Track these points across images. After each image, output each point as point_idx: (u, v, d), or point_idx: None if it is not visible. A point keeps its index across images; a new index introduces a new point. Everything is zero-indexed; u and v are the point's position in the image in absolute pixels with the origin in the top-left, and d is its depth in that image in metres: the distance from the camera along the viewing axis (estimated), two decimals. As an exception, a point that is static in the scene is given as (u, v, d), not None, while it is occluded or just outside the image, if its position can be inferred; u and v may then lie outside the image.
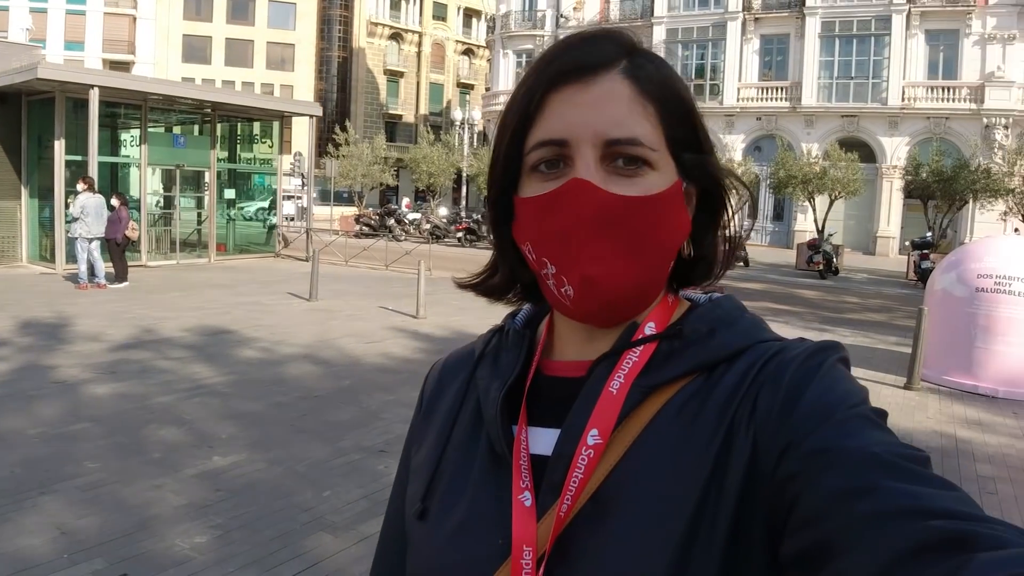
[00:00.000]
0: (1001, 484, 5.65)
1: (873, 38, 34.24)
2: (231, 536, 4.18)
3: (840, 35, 34.75)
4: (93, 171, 15.25)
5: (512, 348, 0.86)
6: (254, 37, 59.09)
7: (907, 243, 27.95)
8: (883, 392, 8.29)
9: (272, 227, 21.95)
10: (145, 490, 4.75)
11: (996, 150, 29.00)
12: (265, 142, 22.10)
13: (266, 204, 22.43)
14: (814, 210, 27.38)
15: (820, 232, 26.03)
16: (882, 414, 0.67)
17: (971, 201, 26.75)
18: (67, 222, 14.86)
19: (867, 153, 33.56)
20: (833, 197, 27.06)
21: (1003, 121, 32.13)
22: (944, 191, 26.05)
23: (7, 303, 11.55)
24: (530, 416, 0.80)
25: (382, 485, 5.04)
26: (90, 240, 13.67)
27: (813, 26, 34.90)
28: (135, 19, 55.91)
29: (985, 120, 32.40)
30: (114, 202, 14.39)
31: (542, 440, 0.78)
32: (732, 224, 0.84)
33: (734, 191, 0.83)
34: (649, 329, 0.78)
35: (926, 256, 21.40)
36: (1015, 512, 5.11)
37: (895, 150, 33.79)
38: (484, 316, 10.03)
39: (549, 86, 0.75)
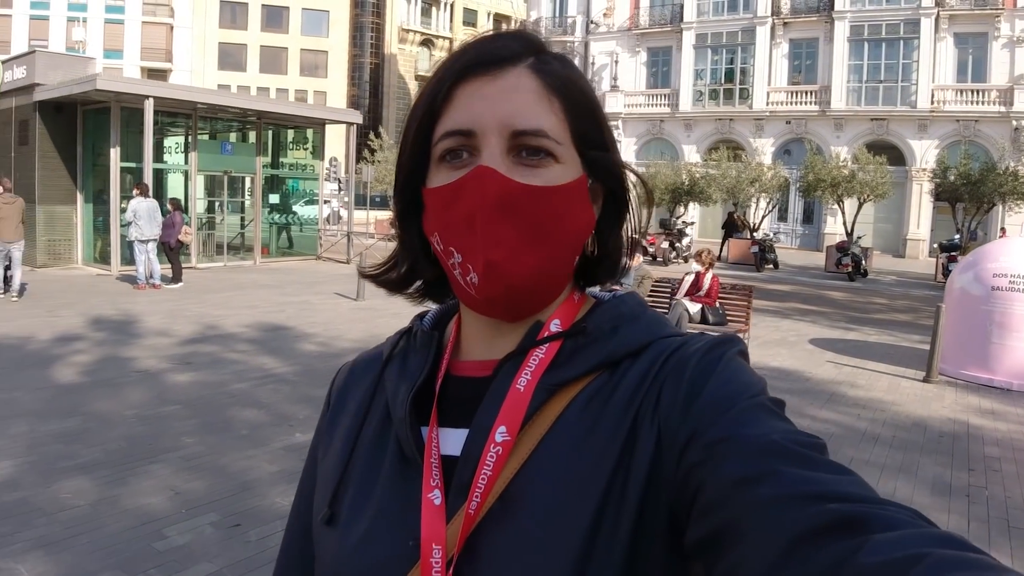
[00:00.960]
0: (1006, 464, 6.16)
1: (902, 41, 34.43)
2: (323, 496, 4.81)
3: (869, 39, 34.97)
4: (148, 178, 16.05)
5: (420, 349, 0.86)
6: (288, 44, 60.23)
7: (935, 245, 28.19)
8: (903, 384, 8.84)
9: (317, 231, 22.73)
10: (240, 460, 5.41)
11: (1026, 153, 29.16)
12: (306, 148, 22.88)
13: (315, 209, 23.21)
14: (843, 213, 27.67)
15: (849, 235, 26.32)
16: (780, 403, 0.69)
17: (1000, 204, 26.94)
18: (122, 226, 15.67)
19: (896, 156, 33.75)
20: (862, 200, 27.34)
21: (1033, 123, 32.20)
22: (972, 194, 26.25)
23: (72, 302, 12.33)
24: (439, 417, 0.80)
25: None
26: (145, 242, 14.45)
27: (842, 30, 35.15)
28: (172, 28, 57.20)
29: (1015, 123, 32.45)
30: (168, 207, 15.20)
31: (451, 440, 0.78)
32: (632, 223, 0.85)
33: (634, 191, 0.85)
34: (555, 326, 0.80)
35: (954, 259, 21.66)
36: (1016, 487, 5.63)
37: (924, 153, 33.94)
38: None
39: (457, 78, 0.76)
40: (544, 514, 0.70)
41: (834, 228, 32.85)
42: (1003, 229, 28.11)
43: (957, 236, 25.85)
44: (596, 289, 0.88)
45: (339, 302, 13.64)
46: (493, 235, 0.74)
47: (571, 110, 0.77)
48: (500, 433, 0.74)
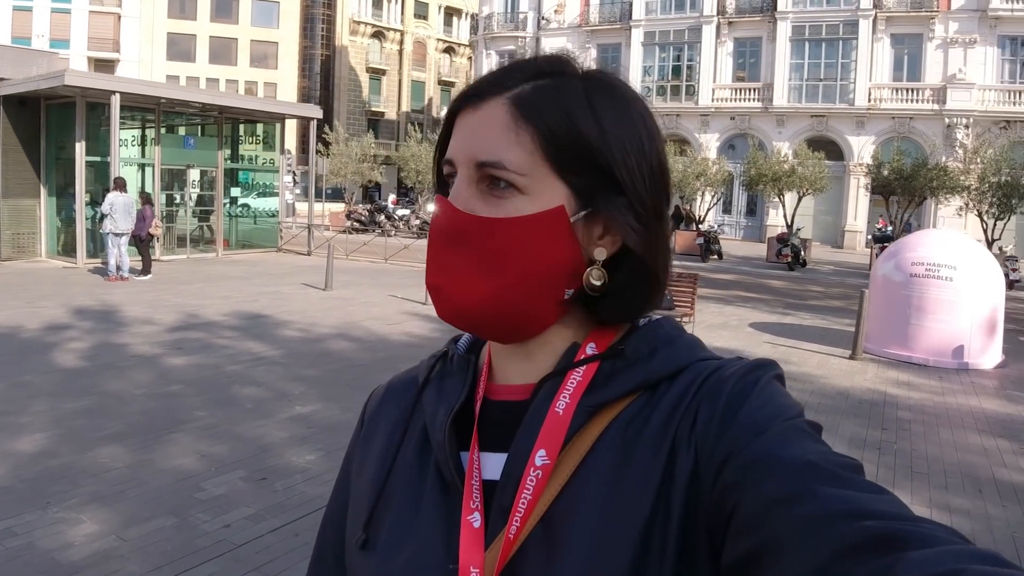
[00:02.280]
0: (915, 425, 7.20)
1: (841, 42, 35.99)
2: (334, 455, 5.58)
3: (810, 39, 36.47)
4: (116, 172, 16.44)
5: (457, 373, 0.86)
6: (238, 35, 59.96)
7: (870, 237, 29.71)
8: (831, 361, 9.91)
9: (278, 223, 23.22)
10: (252, 429, 6.13)
11: (957, 149, 30.88)
12: (264, 141, 23.33)
13: (276, 202, 23.65)
14: (784, 206, 29.02)
15: (789, 227, 27.61)
16: (816, 427, 0.69)
17: (930, 197, 28.50)
18: (98, 220, 16.08)
19: (835, 151, 35.31)
20: (802, 193, 28.69)
21: (963, 121, 33.88)
22: (904, 188, 27.76)
23: (49, 294, 12.77)
24: (479, 441, 0.81)
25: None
26: (119, 235, 14.92)
27: (784, 30, 36.59)
28: (120, 17, 56.54)
29: (947, 120, 34.18)
30: (139, 201, 15.68)
31: (490, 465, 0.79)
32: (652, 259, 0.80)
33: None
34: (591, 349, 0.80)
35: (885, 249, 22.98)
36: (921, 443, 6.63)
37: (861, 148, 35.51)
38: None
39: (456, 108, 0.80)
40: (588, 539, 0.71)
41: (776, 220, 34.21)
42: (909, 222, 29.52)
43: (888, 228, 27.37)
44: None
45: (309, 292, 14.27)
46: (438, 261, 0.78)
47: (548, 138, 0.75)
48: (540, 456, 0.74)
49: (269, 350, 9.08)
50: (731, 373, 0.73)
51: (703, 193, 30.66)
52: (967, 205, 28.22)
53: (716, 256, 26.65)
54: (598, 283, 0.78)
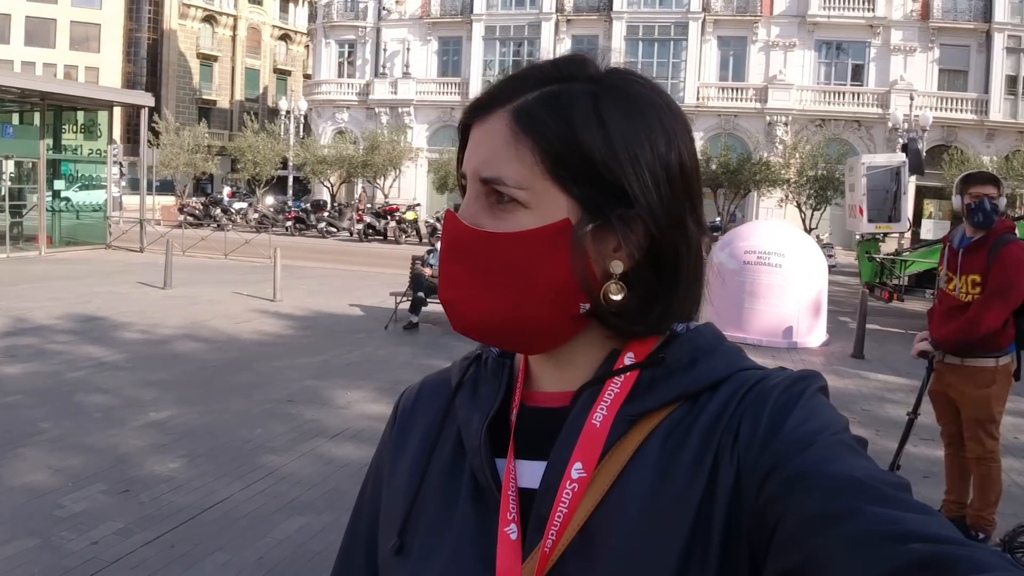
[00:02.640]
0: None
1: (672, 42, 37.86)
2: (197, 461, 5.42)
3: (643, 38, 38.20)
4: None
5: (491, 378, 0.85)
6: (56, 15, 56.00)
7: (701, 228, 31.40)
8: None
9: (105, 218, 21.95)
10: (106, 439, 5.84)
11: (778, 145, 33.21)
12: (88, 131, 21.97)
13: (102, 196, 22.28)
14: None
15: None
16: (862, 442, 0.68)
17: (754, 190, 30.49)
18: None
19: (667, 146, 36.99)
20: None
21: (783, 119, 36.37)
22: (730, 181, 29.56)
23: None
24: (515, 448, 0.79)
25: (301, 422, 6.43)
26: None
27: (619, 29, 38.08)
28: (-83, -7, 51.76)
29: (768, 118, 36.60)
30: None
31: (527, 472, 0.78)
32: (674, 269, 0.77)
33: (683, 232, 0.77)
34: (629, 359, 0.77)
35: (715, 238, 24.36)
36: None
37: (692, 144, 37.39)
38: (335, 297, 11.74)
39: (466, 121, 0.80)
40: (627, 551, 0.70)
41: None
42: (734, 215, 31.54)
43: (718, 218, 29.00)
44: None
45: (147, 291, 13.62)
46: (449, 275, 0.78)
47: (546, 150, 0.73)
48: (576, 469, 0.73)
49: (111, 354, 8.63)
50: (775, 384, 0.72)
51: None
52: (787, 197, 30.41)
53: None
54: (617, 297, 0.75)
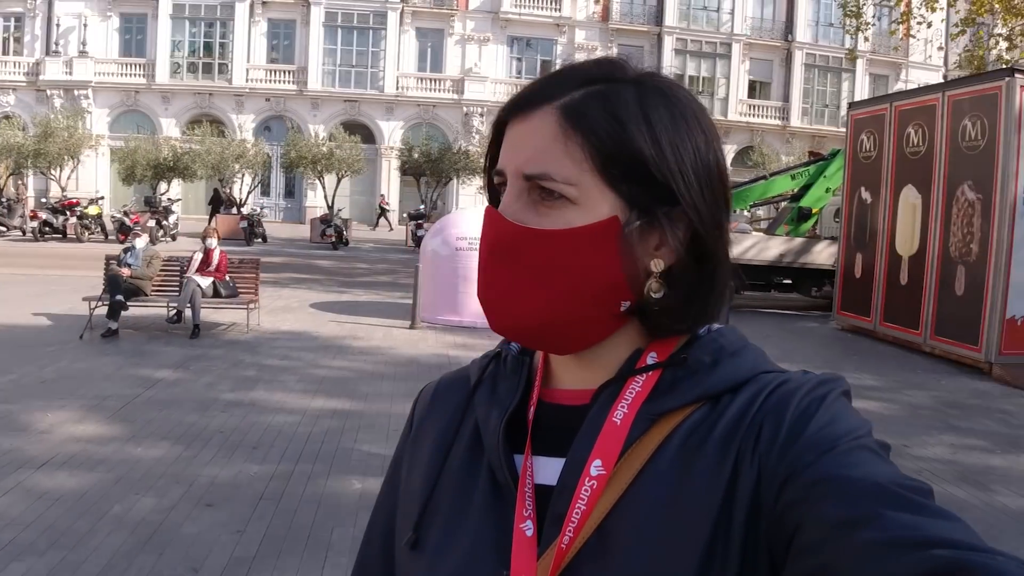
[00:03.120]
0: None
1: (371, 31, 37.84)
2: None
3: (342, 26, 37.72)
4: None
5: (510, 375, 0.84)
6: None
7: (405, 215, 31.96)
8: (394, 332, 10.59)
9: None
10: None
11: (474, 135, 34.59)
12: None
13: None
14: (323, 187, 29.83)
15: (330, 208, 28.48)
16: (885, 447, 0.68)
17: (455, 178, 31.53)
18: None
19: (368, 135, 37.07)
20: (340, 175, 29.76)
21: (479, 110, 37.77)
22: (433, 170, 30.34)
23: None
24: (533, 445, 0.79)
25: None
26: None
27: (318, 15, 37.31)
28: None
29: (465, 109, 37.91)
30: None
31: (545, 469, 0.77)
32: (712, 269, 0.78)
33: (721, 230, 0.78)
34: (651, 359, 0.78)
35: (420, 226, 24.86)
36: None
37: (392, 133, 37.85)
38: (16, 307, 10.57)
39: (506, 117, 0.79)
40: (644, 550, 0.70)
41: (315, 201, 34.74)
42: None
43: (422, 206, 29.65)
44: None
45: None
46: (488, 274, 0.77)
47: (598, 148, 0.73)
48: (595, 467, 0.73)
49: None
50: (797, 387, 0.72)
51: (243, 176, 30.21)
52: (485, 186, 31.71)
53: (261, 239, 26.41)
54: (657, 295, 0.76)
